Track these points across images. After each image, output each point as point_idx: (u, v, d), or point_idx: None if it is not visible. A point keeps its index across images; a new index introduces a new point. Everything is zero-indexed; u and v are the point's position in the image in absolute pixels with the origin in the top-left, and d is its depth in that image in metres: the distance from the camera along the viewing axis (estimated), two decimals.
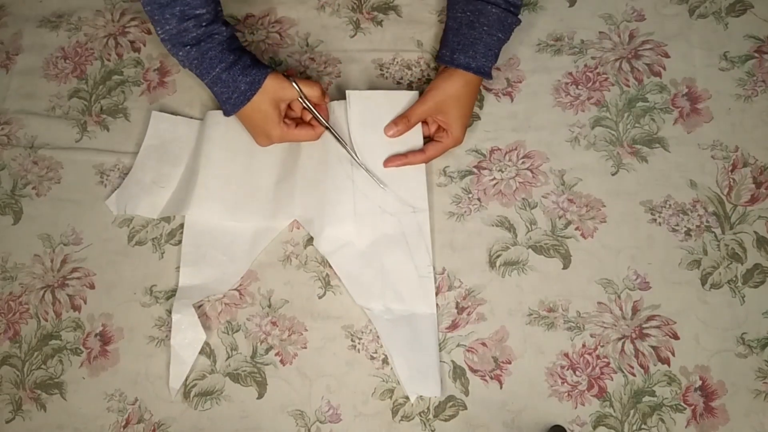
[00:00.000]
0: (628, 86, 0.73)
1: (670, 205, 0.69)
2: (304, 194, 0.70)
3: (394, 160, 0.69)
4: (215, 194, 0.70)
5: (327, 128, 0.69)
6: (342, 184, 0.69)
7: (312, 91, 0.68)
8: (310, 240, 0.70)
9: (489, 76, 0.68)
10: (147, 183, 0.73)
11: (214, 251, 0.70)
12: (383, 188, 0.68)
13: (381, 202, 0.69)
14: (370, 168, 0.69)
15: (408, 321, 0.66)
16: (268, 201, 0.71)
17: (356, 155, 0.69)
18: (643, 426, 0.62)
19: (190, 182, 0.71)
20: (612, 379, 0.64)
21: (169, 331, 0.68)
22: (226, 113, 0.68)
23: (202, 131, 0.74)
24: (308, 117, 0.70)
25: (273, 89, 0.66)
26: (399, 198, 0.69)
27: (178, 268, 0.71)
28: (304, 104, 0.68)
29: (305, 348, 0.67)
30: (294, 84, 0.66)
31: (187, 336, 0.66)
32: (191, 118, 0.76)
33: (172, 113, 0.77)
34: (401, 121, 0.69)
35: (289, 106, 0.70)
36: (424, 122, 0.71)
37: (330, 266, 0.69)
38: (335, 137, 0.69)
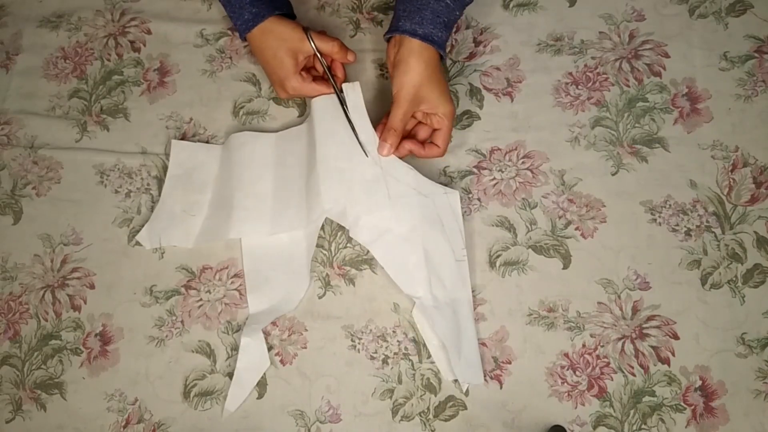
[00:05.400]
0: (628, 86, 0.73)
1: (670, 205, 0.69)
2: (330, 187, 0.68)
3: (410, 149, 0.67)
4: (254, 213, 0.70)
5: (335, 90, 0.69)
6: (370, 170, 0.68)
7: (326, 46, 0.68)
8: None
9: (440, 46, 0.65)
10: (177, 213, 0.72)
11: (274, 273, 0.69)
12: (369, 156, 0.67)
13: (414, 184, 0.67)
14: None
15: (451, 307, 0.65)
16: (302, 204, 0.69)
17: (357, 131, 0.68)
18: (643, 426, 0.62)
19: (225, 207, 0.71)
20: (612, 379, 0.64)
21: (170, 330, 0.69)
22: (241, 37, 0.71)
23: (227, 155, 0.74)
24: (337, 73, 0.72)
25: (291, 39, 0.68)
26: (430, 180, 0.68)
27: (178, 268, 0.71)
28: (320, 60, 0.68)
29: (305, 348, 0.67)
30: (308, 38, 0.67)
31: (253, 360, 0.66)
32: (209, 140, 0.76)
33: (172, 113, 0.77)
34: (389, 136, 0.66)
35: (314, 62, 0.71)
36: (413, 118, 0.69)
37: (331, 266, 0.69)
38: (341, 103, 0.69)
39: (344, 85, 0.69)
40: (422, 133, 0.69)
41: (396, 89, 0.65)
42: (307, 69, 0.72)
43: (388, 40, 0.68)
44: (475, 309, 0.67)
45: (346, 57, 0.70)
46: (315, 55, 0.69)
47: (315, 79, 0.71)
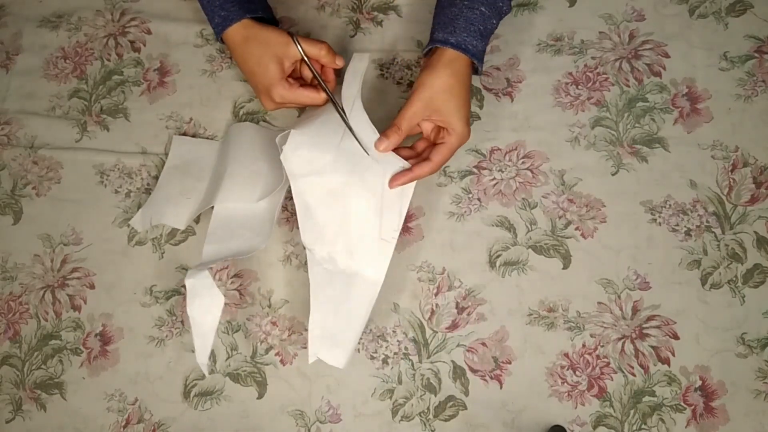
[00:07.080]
0: (628, 86, 0.73)
1: (670, 205, 0.69)
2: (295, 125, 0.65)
3: (400, 177, 0.62)
4: (242, 183, 0.69)
5: (327, 93, 0.65)
6: (335, 118, 0.64)
7: (314, 50, 0.65)
8: None
9: (473, 56, 0.63)
10: (173, 195, 0.72)
11: (242, 229, 0.67)
12: (369, 155, 0.63)
13: (369, 147, 0.63)
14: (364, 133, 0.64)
15: (348, 280, 0.62)
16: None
17: (352, 126, 0.63)
18: (643, 426, 0.62)
19: (218, 181, 0.70)
20: (612, 379, 0.64)
21: (170, 330, 0.69)
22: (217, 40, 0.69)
23: (226, 141, 0.73)
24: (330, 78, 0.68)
25: (276, 43, 0.64)
26: (392, 153, 0.63)
27: (178, 268, 0.71)
28: (307, 64, 0.65)
29: (305, 348, 0.67)
30: (295, 41, 0.64)
31: (204, 302, 0.60)
32: (209, 138, 0.76)
33: (172, 113, 0.77)
34: (392, 132, 0.62)
35: (301, 70, 0.68)
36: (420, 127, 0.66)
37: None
38: (335, 105, 0.64)
39: (356, 54, 0.66)
40: (422, 147, 0.66)
41: (414, 87, 0.63)
42: (295, 78, 0.68)
43: (426, 55, 0.66)
44: (475, 309, 0.67)
45: (335, 61, 0.66)
46: (302, 59, 0.65)
47: (303, 86, 0.67)
